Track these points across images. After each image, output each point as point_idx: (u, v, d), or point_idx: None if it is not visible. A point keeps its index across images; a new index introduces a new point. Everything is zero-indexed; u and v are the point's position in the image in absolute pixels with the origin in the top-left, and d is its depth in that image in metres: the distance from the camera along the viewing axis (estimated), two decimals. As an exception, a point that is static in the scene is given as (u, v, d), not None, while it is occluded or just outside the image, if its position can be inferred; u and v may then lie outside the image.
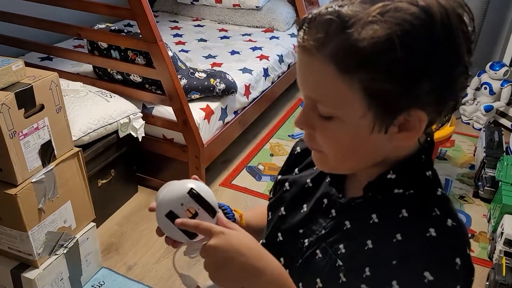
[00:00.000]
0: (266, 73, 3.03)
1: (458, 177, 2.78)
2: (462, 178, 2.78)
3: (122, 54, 2.28)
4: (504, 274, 1.90)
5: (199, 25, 3.76)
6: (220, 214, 0.69)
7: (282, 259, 0.73)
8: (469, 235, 2.35)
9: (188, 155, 2.36)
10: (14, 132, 1.43)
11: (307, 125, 0.61)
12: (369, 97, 0.54)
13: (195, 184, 0.68)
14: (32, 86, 1.48)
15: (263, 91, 3.03)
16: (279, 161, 2.92)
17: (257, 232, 0.82)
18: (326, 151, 0.62)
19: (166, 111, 2.36)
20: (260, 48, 3.25)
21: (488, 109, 3.21)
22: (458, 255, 0.57)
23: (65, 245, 1.77)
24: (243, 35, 3.55)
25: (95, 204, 2.04)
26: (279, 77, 3.27)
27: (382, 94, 0.53)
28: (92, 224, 1.96)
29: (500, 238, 2.06)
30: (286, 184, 0.79)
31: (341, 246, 0.65)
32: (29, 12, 2.45)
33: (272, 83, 3.17)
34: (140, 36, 2.15)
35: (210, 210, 0.67)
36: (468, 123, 3.39)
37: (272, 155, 3.00)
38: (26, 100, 1.46)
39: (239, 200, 2.57)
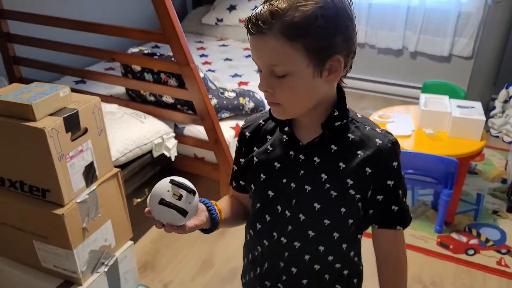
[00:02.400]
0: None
1: (490, 192, 2.75)
2: (494, 192, 2.75)
3: (155, 76, 2.36)
4: (544, 290, 1.87)
5: (223, 45, 3.84)
6: (197, 196, 0.90)
7: (279, 207, 0.96)
8: (505, 250, 2.32)
9: (219, 173, 2.41)
10: (62, 155, 1.50)
11: (268, 86, 0.85)
12: (308, 53, 0.79)
13: (173, 176, 0.89)
14: (77, 111, 1.55)
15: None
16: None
17: (231, 214, 1.05)
18: (283, 102, 0.85)
19: (197, 131, 2.42)
20: (285, 66, 3.30)
21: (518, 121, 3.18)
22: (394, 147, 0.91)
23: (106, 263, 1.82)
24: (267, 53, 3.60)
25: (131, 223, 2.09)
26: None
27: (316, 49, 0.79)
28: (130, 242, 2.01)
29: (537, 253, 2.03)
30: (254, 159, 0.99)
31: (322, 175, 0.90)
32: (57, 37, 2.55)
33: (298, 100, 3.20)
34: (173, 59, 2.22)
35: (191, 191, 0.87)
36: (497, 136, 3.35)
37: (300, 171, 3.02)
38: (73, 124, 1.53)
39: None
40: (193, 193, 0.88)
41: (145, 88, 2.44)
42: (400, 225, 0.94)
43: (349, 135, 0.90)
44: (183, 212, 0.86)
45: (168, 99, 2.42)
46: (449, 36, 3.66)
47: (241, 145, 1.03)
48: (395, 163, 0.90)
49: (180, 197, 0.86)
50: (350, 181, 0.90)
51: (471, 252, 2.32)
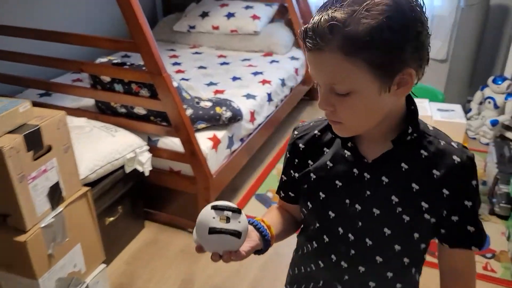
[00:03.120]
0: (269, 98, 3.00)
1: (471, 195, 2.73)
2: (476, 195, 2.72)
3: (126, 87, 2.24)
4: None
5: (197, 52, 3.74)
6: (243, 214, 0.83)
7: (340, 229, 0.88)
8: (490, 254, 2.28)
9: (197, 187, 2.30)
10: (23, 176, 1.37)
11: (328, 105, 0.77)
12: (373, 68, 0.71)
13: (212, 203, 0.83)
14: (39, 127, 1.42)
15: (268, 116, 2.98)
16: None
17: (281, 228, 0.97)
18: (346, 121, 0.78)
19: (172, 143, 2.30)
20: (261, 73, 3.22)
21: (494, 123, 3.19)
22: (474, 163, 0.83)
23: (76, 291, 1.68)
24: (242, 60, 3.52)
25: (103, 244, 1.96)
26: (282, 100, 3.24)
27: (382, 64, 0.71)
28: (103, 265, 1.88)
29: (525, 258, 2.00)
30: (311, 175, 0.91)
31: (393, 197, 0.81)
32: (20, 48, 2.40)
33: (276, 107, 3.13)
34: (144, 68, 2.11)
35: (235, 210, 0.82)
36: (474, 138, 3.36)
37: (280, 181, 2.93)
38: (35, 141, 1.40)
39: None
40: (238, 211, 0.83)
41: (116, 99, 2.31)
42: (475, 246, 0.86)
43: (422, 151, 0.82)
44: (237, 234, 0.81)
45: (140, 110, 2.30)
46: (423, 40, 3.65)
47: (294, 157, 0.95)
48: (474, 182, 0.82)
49: (228, 220, 0.81)
50: (425, 205, 0.82)
51: (457, 258, 2.27)
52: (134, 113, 2.33)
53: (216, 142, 2.36)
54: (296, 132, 0.95)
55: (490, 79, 3.27)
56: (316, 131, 0.92)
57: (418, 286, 0.98)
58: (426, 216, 0.82)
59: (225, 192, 2.65)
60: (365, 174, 0.85)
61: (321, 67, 0.74)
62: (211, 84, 3.05)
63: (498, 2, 3.37)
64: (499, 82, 3.20)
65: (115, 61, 2.26)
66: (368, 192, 0.84)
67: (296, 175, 0.95)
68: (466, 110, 3.43)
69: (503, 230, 2.44)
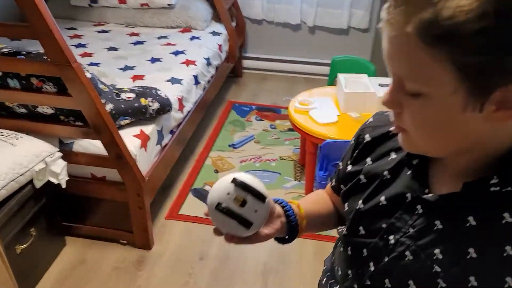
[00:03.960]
0: (196, 80, 2.69)
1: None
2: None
3: (24, 82, 1.80)
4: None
5: (103, 31, 3.26)
6: (271, 200, 0.72)
7: (365, 251, 0.70)
8: None
9: (127, 193, 1.96)
10: None
11: (394, 104, 0.58)
12: (460, 70, 0.50)
13: (238, 174, 0.70)
14: None
15: (196, 102, 2.68)
16: (226, 177, 2.62)
17: (318, 220, 0.85)
18: (411, 131, 0.59)
19: (91, 145, 1.93)
20: (182, 52, 2.88)
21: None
22: None
23: None
24: (158, 38, 3.14)
25: (16, 277, 1.59)
26: (208, 82, 2.94)
27: (474, 67, 0.49)
28: (20, 310, 1.51)
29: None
30: (361, 176, 0.74)
31: (436, 251, 0.60)
32: None
33: (203, 90, 2.83)
34: (46, 58, 1.69)
35: (258, 196, 0.68)
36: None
37: (216, 171, 2.68)
38: None
39: (193, 233, 2.23)
40: (262, 199, 0.70)
41: (11, 98, 1.86)
42: None
43: (505, 214, 0.56)
44: (246, 223, 0.69)
45: (46, 109, 1.88)
46: (346, 8, 3.54)
47: (356, 146, 0.79)
48: None
49: (243, 203, 0.69)
50: (473, 282, 0.57)
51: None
52: (38, 113, 1.90)
53: (144, 139, 2.02)
54: (371, 120, 0.79)
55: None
56: (392, 129, 0.71)
57: None
58: None
59: (157, 192, 2.34)
60: (418, 207, 0.64)
61: (394, 51, 0.55)
62: (126, 68, 2.65)
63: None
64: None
65: (5, 51, 1.79)
66: (411, 230, 0.64)
67: (350, 167, 0.79)
68: (393, 79, 3.41)
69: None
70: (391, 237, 0.66)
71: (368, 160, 0.75)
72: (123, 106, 1.96)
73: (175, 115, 2.33)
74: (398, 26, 0.52)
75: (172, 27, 3.32)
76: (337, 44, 3.76)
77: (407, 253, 0.64)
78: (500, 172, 0.57)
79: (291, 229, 0.79)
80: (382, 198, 0.69)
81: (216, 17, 3.45)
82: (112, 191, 1.99)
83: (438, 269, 0.60)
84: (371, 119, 0.80)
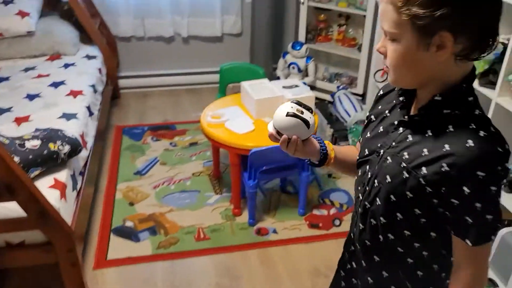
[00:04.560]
0: (90, 111, 2.45)
1: (317, 158, 2.89)
2: (320, 157, 2.90)
3: None
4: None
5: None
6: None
7: (367, 166, 1.00)
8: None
9: (56, 253, 1.71)
10: None
11: (381, 45, 0.87)
12: (412, 22, 0.78)
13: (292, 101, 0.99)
14: None
15: (94, 135, 2.45)
16: (145, 207, 2.46)
17: (343, 160, 1.10)
18: (391, 68, 0.86)
19: (2, 208, 1.63)
20: (62, 83, 2.60)
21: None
22: (490, 157, 0.81)
23: None
24: (24, 70, 2.77)
25: None
26: (99, 110, 2.71)
27: (420, 19, 0.77)
28: None
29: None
30: (372, 116, 1.05)
31: (405, 153, 0.89)
32: None
33: (97, 120, 2.60)
34: None
35: (309, 108, 0.98)
36: (289, 103, 3.55)
37: (132, 203, 2.49)
38: None
39: (131, 276, 2.05)
40: (311, 110, 0.99)
41: None
42: (469, 240, 0.86)
43: (450, 126, 0.85)
44: (307, 123, 0.96)
45: None
46: (218, 16, 3.59)
47: (375, 101, 1.07)
48: (480, 173, 0.80)
49: (301, 112, 0.96)
50: (425, 170, 0.85)
51: (337, 222, 2.39)
52: None
53: (62, 188, 1.78)
54: (385, 83, 1.02)
55: (289, 46, 3.46)
56: (397, 88, 0.97)
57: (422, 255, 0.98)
58: (422, 180, 0.85)
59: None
60: (400, 128, 0.93)
61: (382, 14, 0.84)
62: (2, 111, 2.28)
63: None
64: (298, 48, 3.42)
65: None
66: (394, 143, 0.94)
67: (368, 113, 1.07)
68: (275, 78, 3.58)
69: (355, 182, 2.67)
70: (381, 150, 0.96)
71: (379, 106, 1.04)
72: (31, 156, 1.70)
73: (82, 154, 2.10)
74: (384, 1, 0.82)
75: (36, 56, 2.96)
76: (213, 51, 3.79)
77: (388, 158, 0.93)
78: (441, 91, 0.85)
79: (322, 156, 1.04)
80: (381, 127, 0.99)
81: (85, 39, 3.18)
82: (36, 255, 1.71)
83: (404, 164, 0.89)
84: (385, 83, 1.04)
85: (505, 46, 1.93)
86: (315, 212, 2.46)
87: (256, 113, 2.33)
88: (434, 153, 0.84)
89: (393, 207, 0.92)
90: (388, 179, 0.91)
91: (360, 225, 1.02)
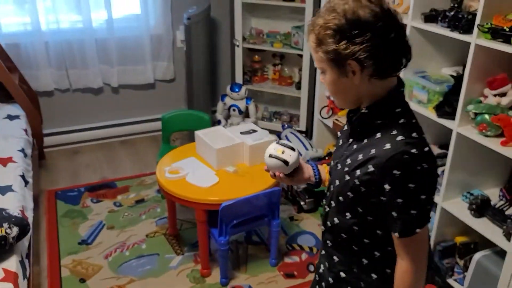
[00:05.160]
0: (25, 180, 2.14)
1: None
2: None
3: None
4: None
5: None
6: (297, 151, 1.21)
7: (330, 176, 1.18)
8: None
9: None
10: None
11: (321, 79, 1.06)
12: (326, 58, 0.98)
13: (277, 140, 1.26)
14: None
15: (33, 207, 2.13)
16: (99, 282, 2.17)
17: None
18: (330, 93, 1.08)
19: None
20: (-14, 150, 2.26)
21: (248, 128, 3.36)
22: (403, 157, 0.94)
23: None
24: None
25: None
26: (31, 177, 2.38)
27: (329, 54, 0.96)
28: None
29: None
30: (339, 134, 1.22)
31: (348, 160, 1.06)
32: None
33: (32, 189, 2.28)
34: None
35: (290, 148, 1.20)
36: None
37: (83, 280, 2.18)
38: None
39: None
40: (292, 149, 1.20)
41: None
42: (396, 233, 1.00)
43: (378, 134, 1.01)
44: (285, 162, 1.18)
45: None
46: (149, 62, 3.44)
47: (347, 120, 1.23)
48: (396, 172, 0.94)
49: (282, 153, 1.19)
50: (358, 171, 1.02)
51: (311, 268, 2.31)
52: None
53: (14, 280, 1.49)
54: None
55: (227, 88, 3.40)
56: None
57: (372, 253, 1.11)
58: (356, 181, 1.02)
59: None
60: (350, 140, 1.10)
61: (312, 55, 1.04)
62: None
63: (214, 15, 3.49)
64: (237, 90, 3.37)
65: None
66: (345, 152, 1.10)
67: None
68: (215, 121, 3.48)
69: (319, 222, 2.63)
70: (337, 160, 1.12)
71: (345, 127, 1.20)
72: (-26, 248, 1.40)
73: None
74: (309, 40, 1.01)
75: None
76: (146, 99, 3.61)
77: (338, 164, 1.10)
78: (367, 106, 1.02)
79: (317, 179, 1.27)
80: (340, 141, 1.16)
81: (2, 97, 2.83)
82: None
83: (346, 169, 1.05)
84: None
85: (455, 78, 2.04)
86: (287, 259, 2.35)
87: (217, 163, 2.20)
88: (364, 157, 1.00)
89: (342, 207, 1.09)
90: (337, 182, 1.09)
91: (323, 227, 1.20)
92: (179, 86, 3.67)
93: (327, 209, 1.15)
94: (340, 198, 1.08)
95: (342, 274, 1.14)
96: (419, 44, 2.13)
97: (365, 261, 1.10)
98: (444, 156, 2.32)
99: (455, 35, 1.84)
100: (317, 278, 1.26)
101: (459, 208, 2.04)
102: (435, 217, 2.15)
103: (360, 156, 1.01)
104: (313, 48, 0.99)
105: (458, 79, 1.99)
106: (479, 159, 2.01)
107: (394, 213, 0.98)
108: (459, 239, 2.16)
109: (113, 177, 3.09)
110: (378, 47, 0.93)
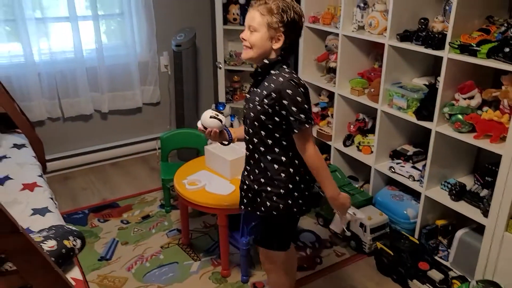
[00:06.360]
0: (54, 202, 2.26)
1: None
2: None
3: None
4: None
5: None
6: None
7: (245, 119, 1.75)
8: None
9: None
10: None
11: (245, 35, 1.62)
12: (267, 25, 1.57)
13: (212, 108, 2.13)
14: None
15: (62, 226, 2.26)
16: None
17: (240, 137, 1.89)
18: (251, 45, 1.60)
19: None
20: (7, 177, 2.36)
21: (236, 142, 3.62)
22: (292, 79, 1.58)
23: None
24: None
25: None
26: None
27: (273, 25, 1.57)
28: None
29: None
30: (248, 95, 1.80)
31: (256, 98, 1.65)
32: None
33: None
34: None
35: (222, 113, 1.76)
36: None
37: (114, 292, 2.32)
38: None
39: None
40: (223, 114, 1.80)
41: None
42: (295, 129, 1.57)
43: (273, 77, 1.61)
44: (220, 121, 1.74)
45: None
46: (137, 87, 3.63)
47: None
48: (288, 91, 1.55)
49: (217, 115, 1.73)
50: (265, 100, 1.60)
51: (318, 260, 2.59)
52: None
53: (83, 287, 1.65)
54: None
55: (213, 107, 3.66)
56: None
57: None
58: (265, 106, 1.59)
59: None
60: (253, 88, 1.72)
61: (251, 17, 1.59)
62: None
63: (200, 45, 3.75)
64: (221, 108, 3.64)
65: None
66: (251, 97, 1.70)
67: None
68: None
69: (314, 220, 2.93)
70: (248, 104, 1.71)
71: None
72: (53, 259, 1.55)
73: (72, 248, 1.94)
74: (255, 9, 1.59)
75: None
76: (133, 122, 3.78)
77: (250, 104, 1.69)
78: (268, 60, 1.63)
79: (230, 139, 1.87)
80: (248, 95, 1.74)
81: (3, 128, 2.91)
82: None
83: (256, 103, 1.63)
84: None
85: (428, 86, 2.45)
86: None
87: (231, 173, 2.45)
88: (267, 91, 1.59)
89: (258, 129, 1.65)
90: (252, 114, 1.66)
91: (247, 153, 1.77)
92: (164, 108, 3.87)
93: (247, 137, 1.73)
94: (256, 123, 1.64)
95: (262, 180, 1.72)
96: (394, 59, 2.53)
97: (276, 166, 1.68)
98: (419, 153, 2.73)
99: (429, 51, 2.24)
100: (243, 194, 1.87)
101: (440, 195, 2.43)
102: (420, 205, 2.53)
103: (264, 92, 1.60)
104: (262, 14, 1.55)
105: (431, 87, 2.40)
106: (452, 152, 2.42)
107: (291, 118, 1.56)
108: (440, 222, 2.54)
109: (113, 198, 3.23)
110: (295, 36, 1.62)
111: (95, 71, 3.42)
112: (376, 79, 2.73)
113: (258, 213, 1.78)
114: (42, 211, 2.06)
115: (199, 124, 1.77)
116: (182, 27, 3.55)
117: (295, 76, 1.59)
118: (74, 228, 1.79)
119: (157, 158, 3.76)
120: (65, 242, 1.65)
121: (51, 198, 2.24)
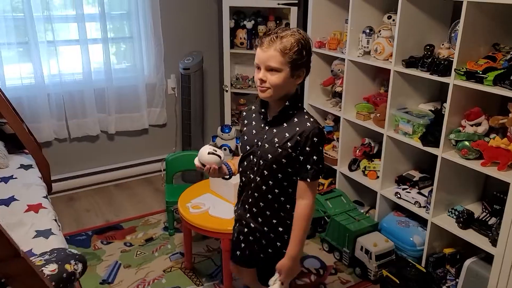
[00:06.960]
0: (58, 224, 2.26)
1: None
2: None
3: None
4: None
5: None
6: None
7: (251, 156, 1.64)
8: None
9: None
10: None
11: (264, 76, 1.50)
12: (290, 64, 1.48)
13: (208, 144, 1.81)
14: None
15: (65, 248, 2.24)
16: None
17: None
18: (272, 87, 1.50)
19: None
20: (13, 198, 2.36)
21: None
22: (319, 127, 1.55)
23: None
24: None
25: None
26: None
27: (295, 63, 1.48)
28: None
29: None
30: (244, 129, 1.71)
31: (275, 139, 1.57)
32: None
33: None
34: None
35: (220, 148, 2.06)
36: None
37: (115, 316, 2.29)
38: None
39: None
40: (221, 149, 1.72)
41: None
42: (309, 178, 1.54)
43: (295, 119, 1.56)
44: (220, 157, 1.66)
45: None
46: (144, 109, 3.65)
47: (242, 122, 1.76)
48: (315, 139, 1.52)
49: (215, 151, 1.64)
50: (289, 143, 1.54)
51: (322, 287, 2.55)
52: None
53: None
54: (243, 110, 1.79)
55: (218, 130, 3.67)
56: (257, 105, 1.66)
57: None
58: (290, 150, 1.53)
59: None
60: (266, 127, 1.61)
61: (269, 57, 1.47)
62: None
63: (207, 68, 3.79)
64: (227, 131, 3.64)
65: None
66: (265, 136, 1.60)
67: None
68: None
69: (319, 246, 2.89)
70: (259, 142, 1.60)
71: (245, 121, 1.72)
72: (53, 283, 1.54)
73: (73, 271, 1.93)
74: (271, 47, 1.47)
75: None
76: (139, 143, 3.79)
77: (266, 144, 1.59)
78: (289, 100, 1.55)
79: (229, 172, 1.77)
80: (253, 131, 1.64)
81: (12, 148, 2.93)
82: None
83: (277, 145, 1.56)
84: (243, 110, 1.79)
85: (434, 112, 2.44)
86: (298, 282, 2.58)
87: (235, 197, 2.43)
88: (291, 133, 1.53)
89: (276, 172, 1.58)
90: (269, 156, 1.57)
91: (256, 194, 1.65)
92: (170, 130, 3.89)
93: (258, 179, 1.62)
94: (274, 165, 1.57)
95: (274, 221, 1.65)
96: (400, 85, 2.53)
97: (288, 206, 1.63)
98: (425, 179, 2.70)
99: (435, 77, 2.25)
100: (242, 237, 1.76)
101: (447, 223, 2.39)
102: (426, 232, 2.49)
103: (287, 134, 1.54)
104: (279, 52, 1.45)
105: (437, 113, 2.40)
106: (459, 178, 2.39)
107: (308, 166, 1.53)
108: (447, 250, 2.50)
109: (117, 219, 3.21)
110: (310, 64, 1.57)
111: (103, 93, 3.45)
112: (382, 104, 2.73)
113: (261, 255, 1.71)
114: (45, 233, 2.06)
115: (196, 162, 1.65)
116: (190, 51, 3.60)
117: (315, 120, 1.55)
118: (76, 251, 1.78)
119: (162, 179, 3.76)
120: (67, 266, 1.64)
121: (55, 220, 2.24)
